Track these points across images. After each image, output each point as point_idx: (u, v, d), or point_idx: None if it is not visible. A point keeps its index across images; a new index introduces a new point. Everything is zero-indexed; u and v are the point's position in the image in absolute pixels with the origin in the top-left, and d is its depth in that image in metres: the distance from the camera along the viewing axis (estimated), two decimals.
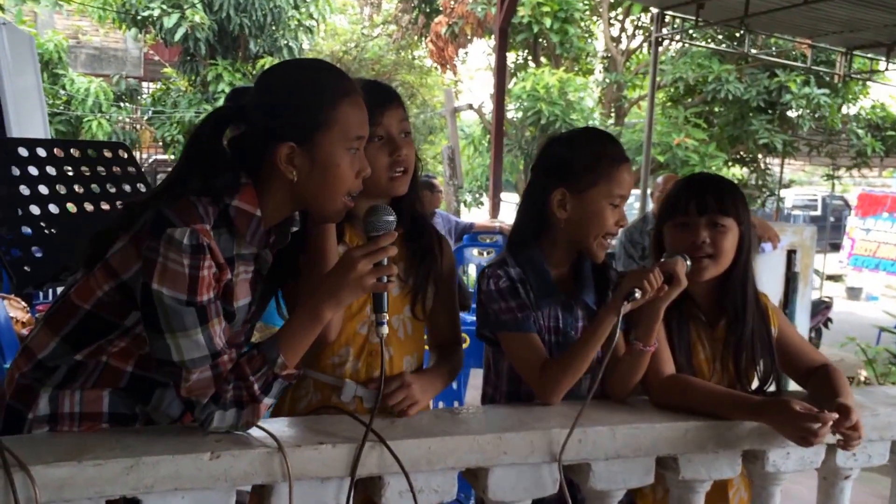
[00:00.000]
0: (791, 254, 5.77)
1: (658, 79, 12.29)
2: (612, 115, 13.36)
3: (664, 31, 8.29)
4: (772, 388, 1.94)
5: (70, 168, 2.09)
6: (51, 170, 2.07)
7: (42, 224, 1.98)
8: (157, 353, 1.44)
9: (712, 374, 1.91)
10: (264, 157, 1.50)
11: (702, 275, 1.86)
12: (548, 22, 11.33)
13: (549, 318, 1.86)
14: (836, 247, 17.54)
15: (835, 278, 15.84)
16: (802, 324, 5.88)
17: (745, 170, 13.26)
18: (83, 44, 18.26)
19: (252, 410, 1.47)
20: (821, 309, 8.93)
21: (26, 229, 1.94)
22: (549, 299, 1.85)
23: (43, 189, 2.03)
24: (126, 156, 2.20)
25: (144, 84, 16.04)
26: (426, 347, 1.95)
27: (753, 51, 9.90)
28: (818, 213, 21.57)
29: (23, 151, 1.99)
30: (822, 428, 1.63)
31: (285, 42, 12.43)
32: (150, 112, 13.02)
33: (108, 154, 2.14)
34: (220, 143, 1.55)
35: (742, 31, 8.28)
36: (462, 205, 11.97)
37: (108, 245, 1.49)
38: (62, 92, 11.86)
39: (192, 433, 1.50)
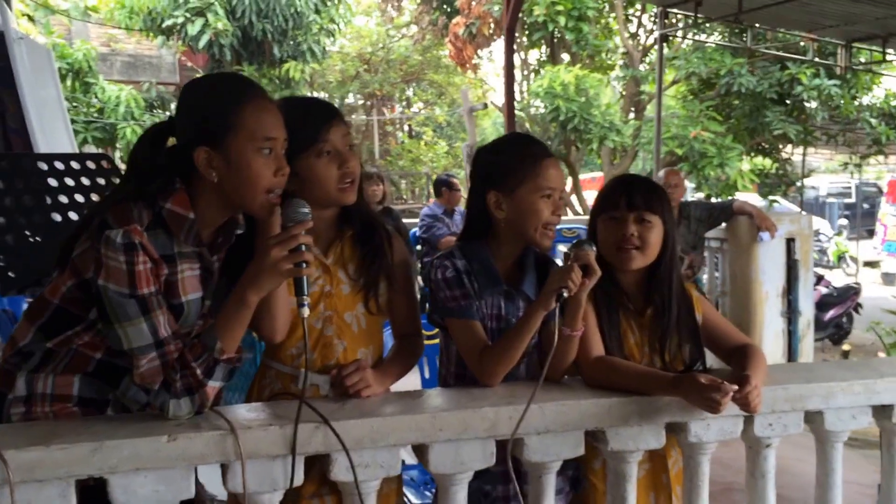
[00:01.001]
0: (790, 242, 5.85)
1: (673, 74, 12.35)
2: (633, 109, 13.39)
3: (679, 25, 8.36)
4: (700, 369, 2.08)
5: (54, 180, 2.27)
6: (37, 182, 2.26)
7: (27, 233, 2.17)
8: (112, 342, 1.64)
9: (642, 358, 2.06)
10: (192, 164, 1.67)
11: (630, 264, 2.02)
12: (562, 20, 11.42)
13: (492, 306, 2.02)
14: (871, 233, 17.38)
15: (872, 264, 15.70)
16: (806, 306, 5.96)
17: (767, 160, 13.19)
18: (117, 51, 18.67)
19: (201, 395, 1.64)
20: (850, 295, 8.94)
21: (9, 239, 2.13)
22: (493, 289, 2.01)
23: (28, 200, 2.22)
24: (109, 166, 2.38)
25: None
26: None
27: (762, 45, 9.94)
28: (852, 199, 21.35)
29: (5, 166, 2.18)
30: (723, 397, 1.78)
31: (307, 46, 12.66)
32: None
33: (91, 165, 2.32)
34: (157, 153, 1.73)
35: (749, 26, 8.33)
36: None
37: (73, 247, 1.68)
38: (94, 100, 12.21)
39: (155, 419, 1.67)
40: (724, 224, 5.94)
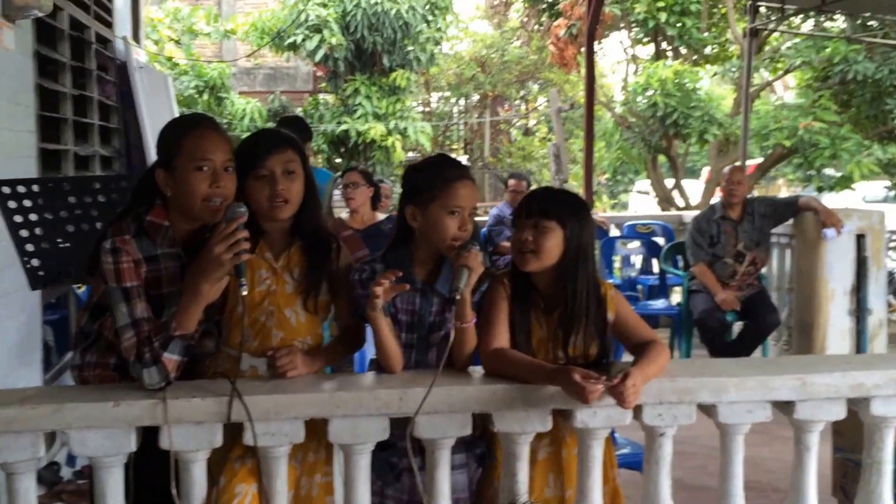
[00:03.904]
0: (861, 238, 5.70)
1: (785, 63, 11.95)
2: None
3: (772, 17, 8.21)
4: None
5: (88, 197, 2.76)
6: (72, 199, 2.77)
7: (58, 240, 2.68)
8: (114, 323, 2.12)
9: (547, 353, 2.29)
10: None
11: (524, 266, 2.28)
12: (663, 16, 11.33)
13: (406, 302, 2.33)
14: None
15: None
16: (877, 305, 5.79)
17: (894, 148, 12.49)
18: (260, 65, 20.08)
19: (164, 365, 2.06)
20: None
21: (45, 245, 2.64)
22: (408, 288, 2.31)
23: (63, 214, 2.73)
24: (126, 185, 2.87)
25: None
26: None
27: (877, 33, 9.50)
28: None
29: (48, 187, 2.70)
30: (591, 391, 2.00)
31: (415, 55, 13.24)
32: None
33: (112, 185, 2.81)
34: (150, 179, 2.22)
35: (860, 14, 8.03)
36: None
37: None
38: (226, 113, 13.27)
39: (112, 390, 2.12)
40: (791, 220, 5.88)
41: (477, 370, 2.28)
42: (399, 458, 2.28)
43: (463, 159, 20.81)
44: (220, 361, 2.35)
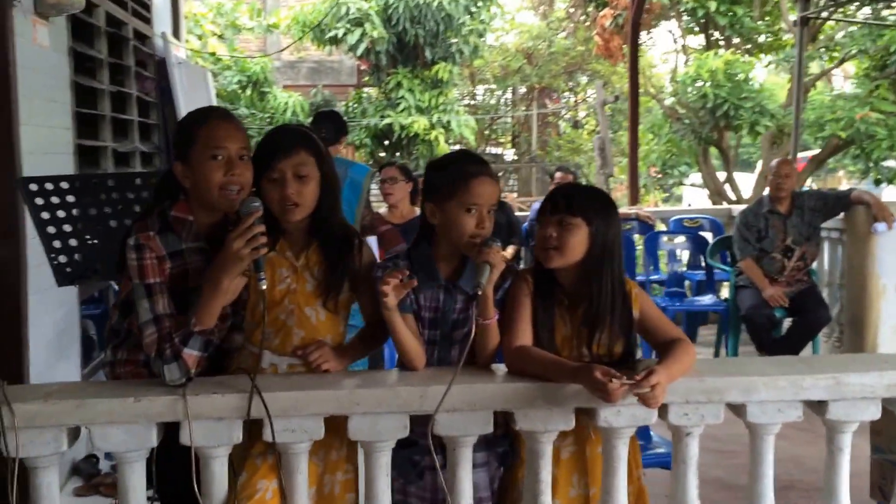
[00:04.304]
0: None
1: (841, 53, 11.58)
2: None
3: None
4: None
5: (116, 193, 2.78)
6: (101, 195, 2.79)
7: (87, 237, 2.70)
8: (137, 319, 2.13)
9: (571, 350, 2.24)
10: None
11: (548, 263, 2.23)
12: (713, 5, 11.08)
13: (430, 299, 2.29)
14: None
15: None
16: None
17: None
18: (304, 59, 20.23)
19: (184, 360, 2.06)
20: None
21: (73, 242, 2.66)
22: (431, 284, 2.28)
23: (92, 211, 2.75)
24: (141, 182, 2.87)
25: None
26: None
27: None
28: None
29: (79, 184, 2.72)
30: (614, 390, 1.94)
31: (457, 47, 13.18)
32: (345, 119, 14.31)
33: (139, 182, 2.82)
34: (172, 174, 2.23)
35: None
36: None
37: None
38: (269, 107, 13.38)
39: (134, 386, 2.13)
40: (842, 214, 5.69)
41: (499, 368, 2.24)
42: (421, 455, 2.25)
43: (510, 153, 20.69)
44: (243, 358, 2.35)
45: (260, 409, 2.05)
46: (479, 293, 2.13)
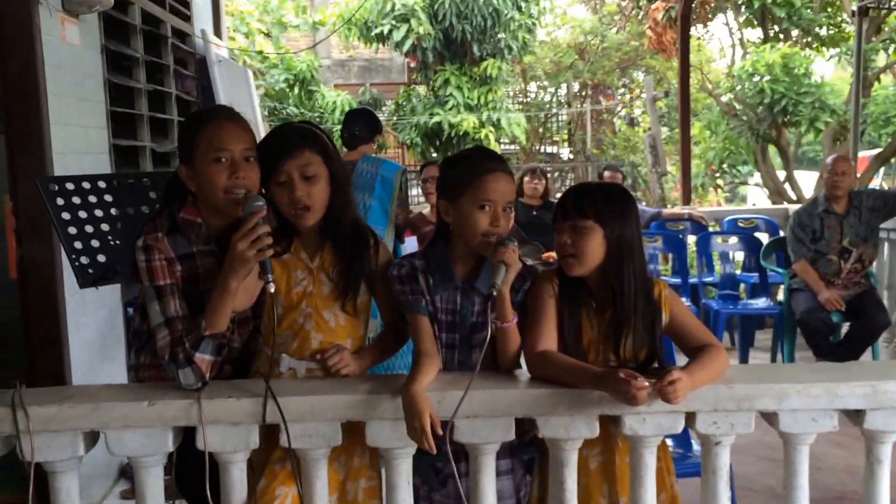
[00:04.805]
0: None
1: None
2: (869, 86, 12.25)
3: None
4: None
5: (140, 193, 2.77)
6: (127, 195, 2.77)
7: (109, 238, 2.69)
8: (149, 322, 2.10)
9: (597, 355, 2.15)
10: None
11: (570, 271, 2.15)
12: None
13: (447, 301, 2.22)
14: None
15: None
16: None
17: None
18: (355, 57, 20.29)
19: (197, 365, 2.02)
20: None
21: (95, 243, 2.64)
22: (448, 285, 2.21)
23: (115, 212, 2.73)
24: (148, 183, 2.85)
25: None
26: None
27: None
28: None
29: (101, 184, 2.72)
30: (636, 390, 1.86)
31: (506, 43, 13.05)
32: (395, 118, 14.35)
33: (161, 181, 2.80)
34: (177, 177, 2.20)
35: None
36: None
37: None
38: (317, 106, 13.45)
39: (150, 390, 2.10)
40: None
41: (521, 373, 2.16)
42: (444, 462, 2.18)
43: (566, 151, 20.42)
44: (261, 362, 2.31)
45: (276, 413, 2.01)
46: (495, 294, 2.04)
